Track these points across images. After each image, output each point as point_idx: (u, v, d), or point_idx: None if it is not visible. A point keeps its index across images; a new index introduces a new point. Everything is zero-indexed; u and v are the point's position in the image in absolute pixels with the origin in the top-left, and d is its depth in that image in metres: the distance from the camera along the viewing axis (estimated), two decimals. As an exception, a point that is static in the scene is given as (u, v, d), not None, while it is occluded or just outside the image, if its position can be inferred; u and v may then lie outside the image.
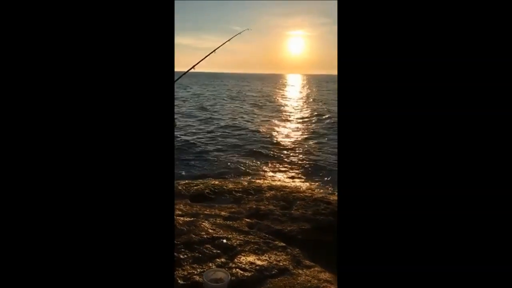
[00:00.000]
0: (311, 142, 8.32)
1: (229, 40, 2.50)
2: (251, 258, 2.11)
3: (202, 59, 2.30)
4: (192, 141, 8.27)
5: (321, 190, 3.91)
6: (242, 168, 5.95)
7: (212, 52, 2.37)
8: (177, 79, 1.63)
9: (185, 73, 2.18)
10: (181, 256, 2.00)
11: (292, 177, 5.48)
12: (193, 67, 2.23)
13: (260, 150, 7.33)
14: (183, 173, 5.52)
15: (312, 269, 2.15)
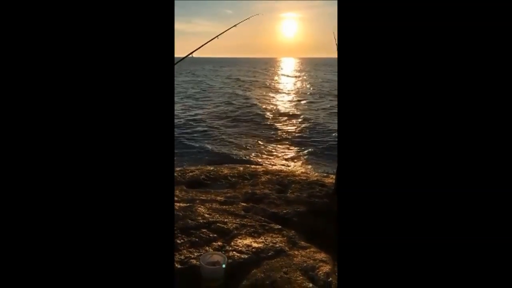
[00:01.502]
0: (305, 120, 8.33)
1: (236, 25, 2.41)
2: (247, 241, 2.13)
3: (204, 44, 2.23)
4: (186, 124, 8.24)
5: (316, 173, 3.94)
6: (237, 150, 5.96)
7: (215, 38, 2.29)
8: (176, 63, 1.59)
9: (182, 58, 2.12)
10: (178, 241, 2.02)
11: (288, 159, 5.52)
12: (192, 52, 2.16)
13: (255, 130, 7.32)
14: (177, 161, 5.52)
15: (308, 249, 2.19)
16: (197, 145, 6.59)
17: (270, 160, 5.52)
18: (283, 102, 13.25)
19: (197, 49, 2.17)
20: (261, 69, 43.96)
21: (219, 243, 2.07)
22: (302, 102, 13.02)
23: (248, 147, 6.44)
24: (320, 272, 1.91)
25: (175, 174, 3.59)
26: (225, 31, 2.34)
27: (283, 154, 5.98)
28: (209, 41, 2.23)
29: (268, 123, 8.75)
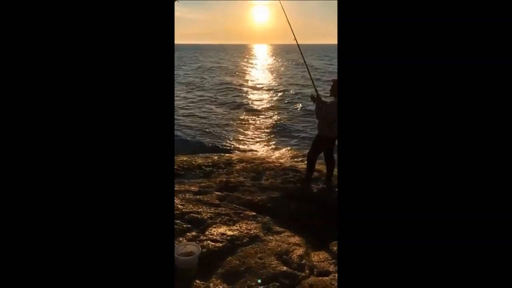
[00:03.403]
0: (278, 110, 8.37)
1: None
2: (222, 230, 2.14)
3: None
4: None
5: (289, 159, 3.98)
6: (211, 139, 5.91)
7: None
8: None
9: None
10: (150, 234, 1.98)
11: (262, 144, 5.56)
12: None
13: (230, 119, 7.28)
14: None
15: (282, 234, 2.23)
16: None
17: (244, 147, 5.52)
18: (252, 90, 13.23)
19: None
20: (232, 56, 43.34)
21: (194, 233, 2.05)
22: (270, 90, 13.07)
23: (222, 135, 6.40)
24: (294, 255, 1.96)
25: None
26: None
27: (256, 140, 6.00)
28: None
29: (240, 111, 8.72)
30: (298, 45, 3.00)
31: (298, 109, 7.97)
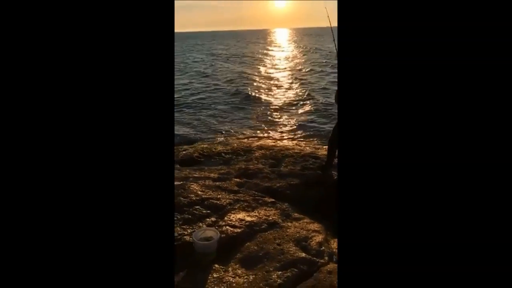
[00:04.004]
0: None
1: None
2: (240, 215, 2.15)
3: None
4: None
5: (309, 146, 3.93)
6: (230, 127, 5.93)
7: None
8: None
9: None
10: (171, 219, 2.03)
11: (282, 132, 5.52)
12: None
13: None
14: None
15: (301, 221, 2.21)
16: (191, 121, 6.59)
17: (264, 135, 5.50)
18: (274, 74, 13.06)
19: None
20: (250, 42, 42.68)
21: (213, 219, 2.08)
22: (295, 72, 12.83)
23: (242, 122, 6.41)
24: (313, 242, 1.94)
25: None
26: None
27: (278, 128, 5.96)
28: None
29: (261, 97, 8.66)
30: (331, 28, 2.81)
31: (320, 101, 7.81)
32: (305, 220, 2.22)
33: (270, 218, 2.15)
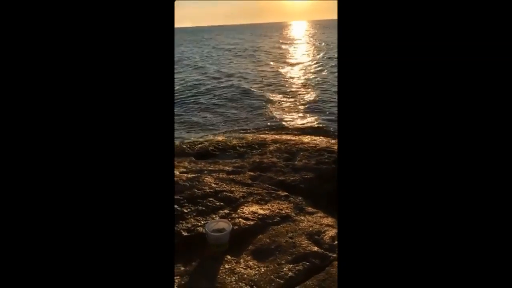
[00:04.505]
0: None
1: None
2: (253, 208, 2.15)
3: None
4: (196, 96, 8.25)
5: (325, 140, 3.88)
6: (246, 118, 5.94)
7: None
8: None
9: None
10: (185, 210, 2.06)
11: (297, 125, 5.49)
12: None
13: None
14: (184, 133, 5.57)
15: (315, 215, 2.19)
16: (203, 115, 6.67)
17: (279, 130, 5.48)
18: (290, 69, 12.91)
19: None
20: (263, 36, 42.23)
21: (226, 211, 2.10)
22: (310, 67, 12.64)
23: (257, 115, 6.41)
24: (326, 236, 1.92)
25: (184, 146, 3.62)
26: None
27: (293, 122, 5.92)
28: None
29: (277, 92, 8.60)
30: None
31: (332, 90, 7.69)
32: (319, 214, 2.20)
33: (283, 212, 2.14)
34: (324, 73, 11.17)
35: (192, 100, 8.05)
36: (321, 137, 4.40)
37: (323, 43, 23.59)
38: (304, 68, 12.69)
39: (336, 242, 1.88)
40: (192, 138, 4.27)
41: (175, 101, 7.76)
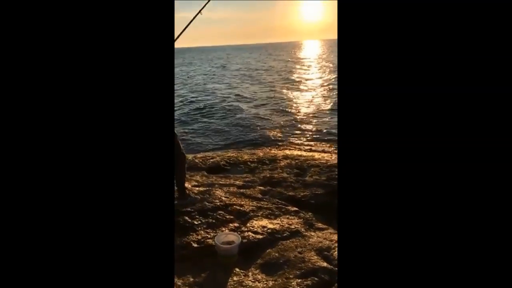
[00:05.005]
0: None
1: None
2: (263, 223, 2.17)
3: (186, 27, 2.23)
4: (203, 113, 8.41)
5: (334, 158, 3.87)
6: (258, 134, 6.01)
7: (199, 12, 2.29)
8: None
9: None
10: (195, 222, 2.09)
11: (308, 142, 5.50)
12: (176, 38, 2.17)
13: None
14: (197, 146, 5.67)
15: (325, 231, 2.18)
16: (217, 127, 6.79)
17: (291, 145, 5.51)
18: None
19: (180, 34, 2.20)
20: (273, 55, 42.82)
21: (235, 224, 2.12)
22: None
23: (270, 130, 6.48)
24: (336, 252, 1.90)
25: (197, 161, 3.68)
26: (203, 6, 2.34)
27: (304, 139, 5.94)
28: (190, 22, 2.23)
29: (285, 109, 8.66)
30: None
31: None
32: (329, 231, 2.19)
33: (293, 227, 2.15)
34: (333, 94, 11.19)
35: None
36: (332, 154, 4.39)
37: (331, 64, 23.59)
38: (313, 89, 12.78)
39: (345, 258, 1.86)
40: (204, 153, 4.34)
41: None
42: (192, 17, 2.29)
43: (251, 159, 3.69)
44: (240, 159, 3.73)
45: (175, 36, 2.18)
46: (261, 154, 4.01)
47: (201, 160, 3.72)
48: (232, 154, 4.10)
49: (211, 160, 3.72)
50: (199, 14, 2.31)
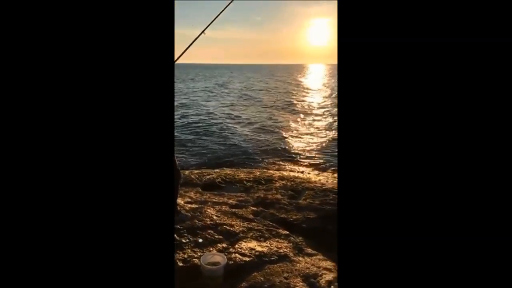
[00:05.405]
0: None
1: (221, 11, 2.44)
2: (251, 244, 2.15)
3: (190, 45, 2.30)
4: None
5: (332, 181, 3.86)
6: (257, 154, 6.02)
7: (202, 32, 2.35)
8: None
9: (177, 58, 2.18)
10: (183, 240, 2.08)
11: (307, 164, 5.50)
12: (179, 57, 2.22)
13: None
14: (192, 161, 5.69)
15: (314, 257, 2.15)
16: (216, 146, 6.81)
17: (288, 165, 5.52)
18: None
19: (183, 53, 2.27)
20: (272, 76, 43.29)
21: (224, 245, 2.10)
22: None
23: (268, 151, 6.50)
24: (323, 279, 1.87)
25: (193, 177, 3.69)
26: (209, 25, 2.39)
27: (302, 161, 5.95)
28: (194, 40, 2.30)
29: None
30: None
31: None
32: (318, 257, 2.16)
33: (281, 251, 2.12)
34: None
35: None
36: (329, 177, 4.38)
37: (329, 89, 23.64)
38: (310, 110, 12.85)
39: (332, 287, 1.83)
40: (201, 169, 4.35)
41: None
42: (195, 37, 2.36)
43: (247, 178, 3.69)
44: (236, 177, 3.73)
45: (180, 53, 2.25)
46: (257, 173, 4.01)
47: (197, 176, 3.72)
48: (229, 172, 4.11)
49: (207, 177, 3.72)
50: (203, 34, 2.38)
